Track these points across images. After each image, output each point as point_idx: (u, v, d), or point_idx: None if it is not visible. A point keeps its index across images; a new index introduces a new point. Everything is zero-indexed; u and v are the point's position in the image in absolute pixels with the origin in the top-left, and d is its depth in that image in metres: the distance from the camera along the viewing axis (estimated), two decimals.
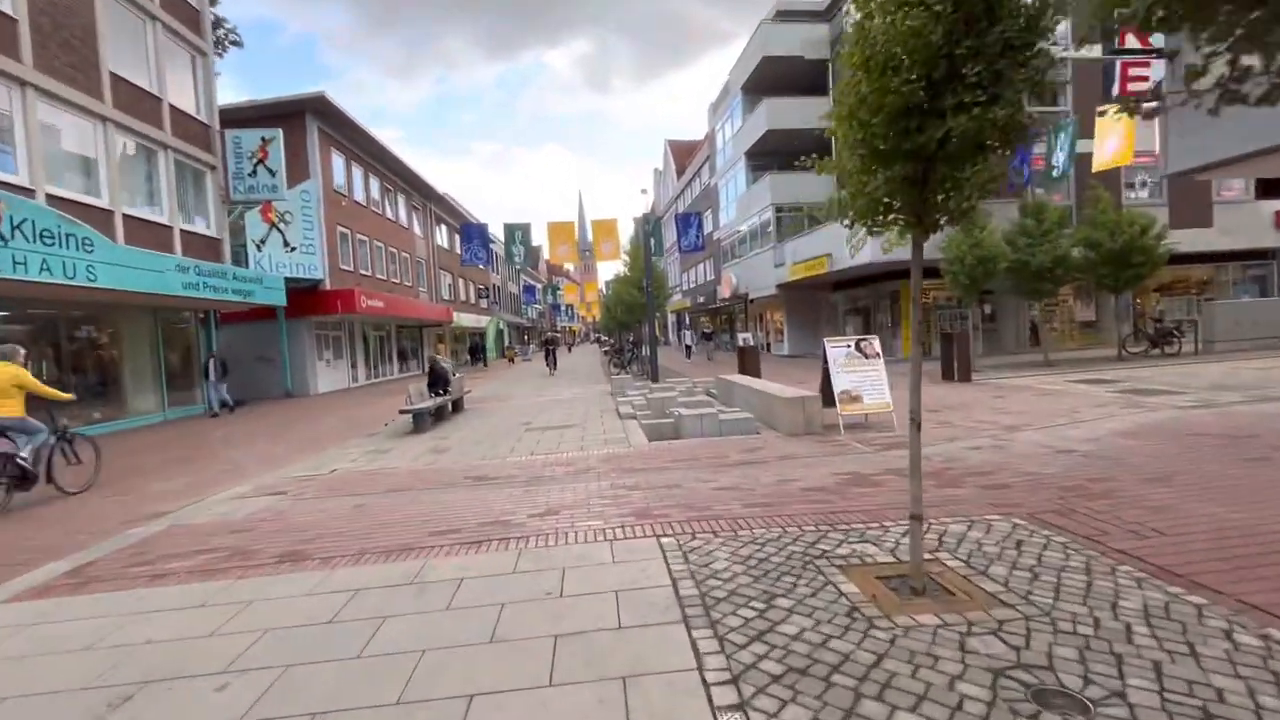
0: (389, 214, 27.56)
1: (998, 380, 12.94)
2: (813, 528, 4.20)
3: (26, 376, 6.74)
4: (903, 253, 17.89)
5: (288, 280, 18.76)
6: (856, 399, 7.89)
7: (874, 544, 3.83)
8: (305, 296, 20.23)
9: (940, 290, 19.39)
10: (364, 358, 25.12)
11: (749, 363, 12.42)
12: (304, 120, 20.41)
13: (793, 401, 7.85)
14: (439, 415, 11.92)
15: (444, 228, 36.41)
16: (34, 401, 6.81)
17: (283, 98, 19.66)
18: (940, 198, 2.97)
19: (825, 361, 8.28)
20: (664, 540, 4.08)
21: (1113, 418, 7.73)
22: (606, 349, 46.51)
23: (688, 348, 28.93)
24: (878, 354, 8.13)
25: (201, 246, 14.77)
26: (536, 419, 11.07)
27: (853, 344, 8.18)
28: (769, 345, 29.96)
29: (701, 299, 36.34)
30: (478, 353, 37.11)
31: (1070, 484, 4.93)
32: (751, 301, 31.33)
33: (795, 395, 7.99)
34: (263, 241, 16.80)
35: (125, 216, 12.26)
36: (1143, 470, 5.22)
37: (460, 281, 39.19)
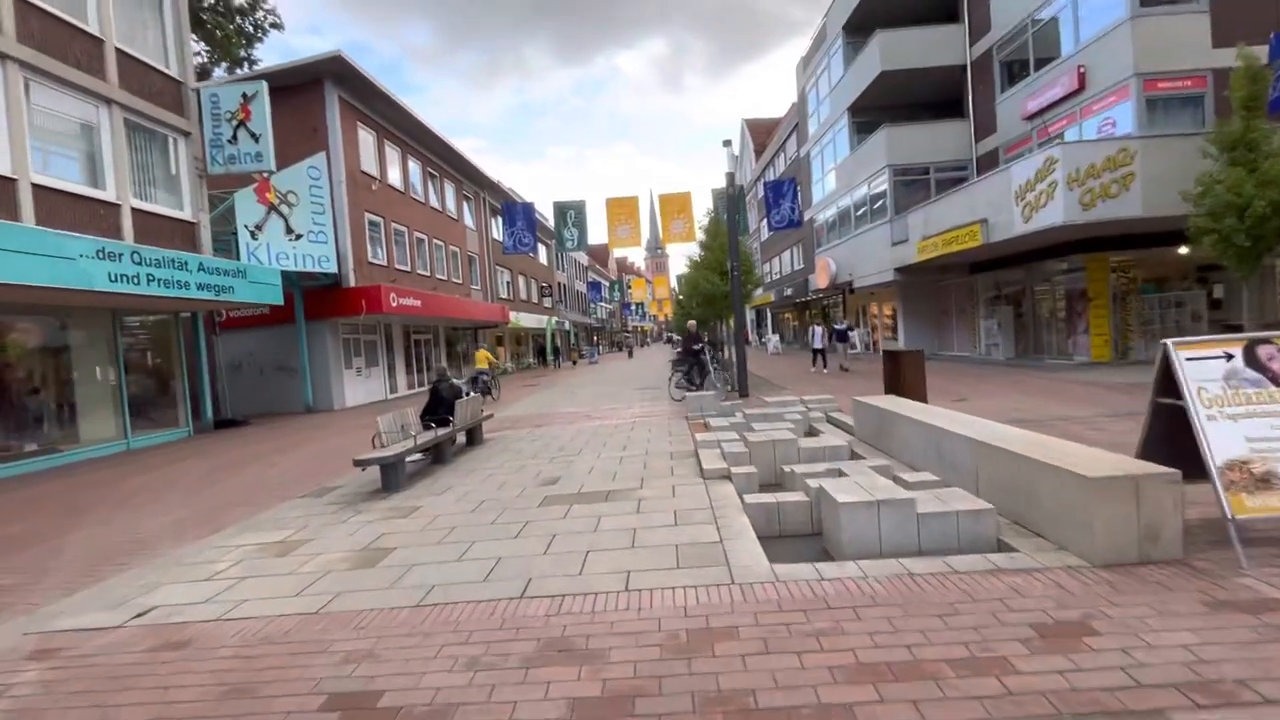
0: (433, 202, 24.59)
1: None
2: None
3: (490, 356, 17.49)
4: (1114, 207, 12.37)
5: (298, 275, 15.81)
6: (1272, 482, 3.34)
7: None
8: (325, 295, 17.31)
9: (1142, 268, 13.96)
10: (405, 365, 22.16)
11: (908, 377, 7.82)
12: (322, 89, 17.47)
13: (1115, 485, 3.39)
14: (438, 455, 8.20)
15: (501, 220, 33.40)
16: None
17: (294, 63, 16.77)
18: None
19: (1163, 392, 3.79)
20: None
21: None
22: (677, 353, 42.19)
23: (817, 352, 18.50)
24: None
25: (167, 231, 11.81)
26: (571, 469, 7.09)
27: (1240, 352, 3.61)
28: (874, 346, 24.85)
29: (789, 291, 31.43)
30: (545, 354, 37.63)
31: None
32: (852, 292, 26.25)
33: (1120, 470, 3.51)
34: (258, 227, 13.80)
35: (36, 188, 9.29)
36: None
37: (520, 279, 36.14)
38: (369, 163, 19.52)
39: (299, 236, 14.48)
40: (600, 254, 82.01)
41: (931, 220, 16.17)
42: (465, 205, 28.56)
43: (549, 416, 12.35)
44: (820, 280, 25.60)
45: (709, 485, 5.75)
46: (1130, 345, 13.85)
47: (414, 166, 22.95)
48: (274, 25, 26.13)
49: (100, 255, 9.00)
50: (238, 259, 13.40)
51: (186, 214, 12.33)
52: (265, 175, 13.96)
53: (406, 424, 7.94)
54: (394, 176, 21.23)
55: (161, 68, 11.98)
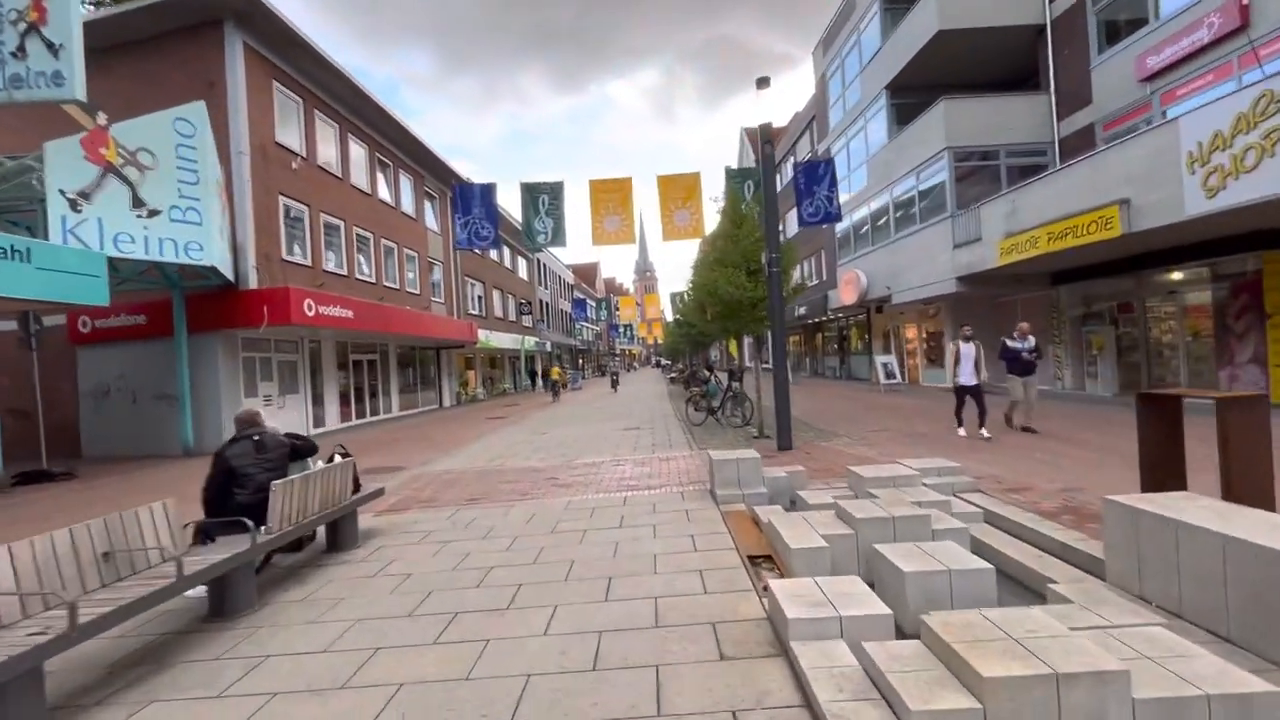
0: (383, 194, 20.43)
1: None
2: None
3: (560, 369, 30.45)
4: None
5: (179, 272, 11.57)
6: None
7: None
8: (217, 300, 13.03)
9: None
10: (338, 393, 17.75)
11: (1240, 457, 3.67)
12: (222, 32, 13.40)
13: None
14: (220, 599, 3.92)
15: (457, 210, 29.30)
16: None
17: None
18: None
19: None
20: None
21: None
22: (673, 375, 37.77)
23: (966, 393, 9.47)
24: None
25: None
26: (473, 688, 2.85)
27: None
28: (901, 375, 20.85)
29: (802, 310, 27.53)
30: (545, 378, 34.04)
31: None
32: (880, 311, 22.33)
33: None
34: (84, 194, 9.56)
35: None
36: None
37: (495, 293, 31.95)
38: (290, 135, 15.39)
39: (154, 213, 10.22)
40: (587, 273, 78.33)
41: (1023, 210, 12.24)
42: (428, 205, 24.45)
43: (494, 477, 8.11)
44: (845, 296, 21.67)
45: None
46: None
47: (358, 149, 18.83)
48: None
49: None
50: (46, 238, 9.13)
51: None
52: (100, 122, 9.77)
53: (139, 548, 3.64)
54: (327, 157, 17.10)
55: None
